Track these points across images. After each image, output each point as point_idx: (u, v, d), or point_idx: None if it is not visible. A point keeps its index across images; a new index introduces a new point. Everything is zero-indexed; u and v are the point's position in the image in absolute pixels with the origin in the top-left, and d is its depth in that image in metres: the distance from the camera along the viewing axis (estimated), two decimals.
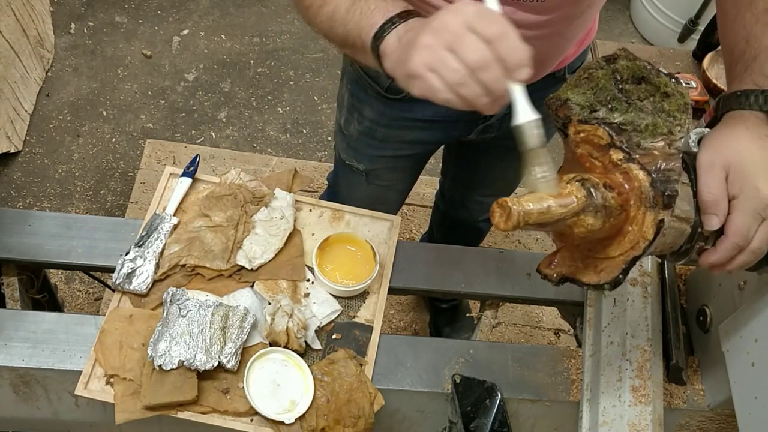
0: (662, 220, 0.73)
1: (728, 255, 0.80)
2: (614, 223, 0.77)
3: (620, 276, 0.76)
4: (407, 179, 1.49)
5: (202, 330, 1.00)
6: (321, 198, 1.69)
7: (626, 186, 0.77)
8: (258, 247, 1.13)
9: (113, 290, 1.09)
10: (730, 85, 0.88)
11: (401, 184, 1.49)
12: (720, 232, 0.80)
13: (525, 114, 0.72)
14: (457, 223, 1.79)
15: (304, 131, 2.55)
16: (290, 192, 1.22)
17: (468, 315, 2.10)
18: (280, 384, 1.01)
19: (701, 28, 2.54)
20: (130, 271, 1.07)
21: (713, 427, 1.10)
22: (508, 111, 1.16)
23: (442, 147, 1.62)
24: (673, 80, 0.79)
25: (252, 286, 1.11)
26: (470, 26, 0.67)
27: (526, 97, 0.72)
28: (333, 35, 0.86)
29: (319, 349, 1.07)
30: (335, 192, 1.57)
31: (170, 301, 1.04)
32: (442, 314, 2.09)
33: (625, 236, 0.77)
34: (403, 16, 0.77)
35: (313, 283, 1.13)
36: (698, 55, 1.86)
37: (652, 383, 1.03)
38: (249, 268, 1.11)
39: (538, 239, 2.34)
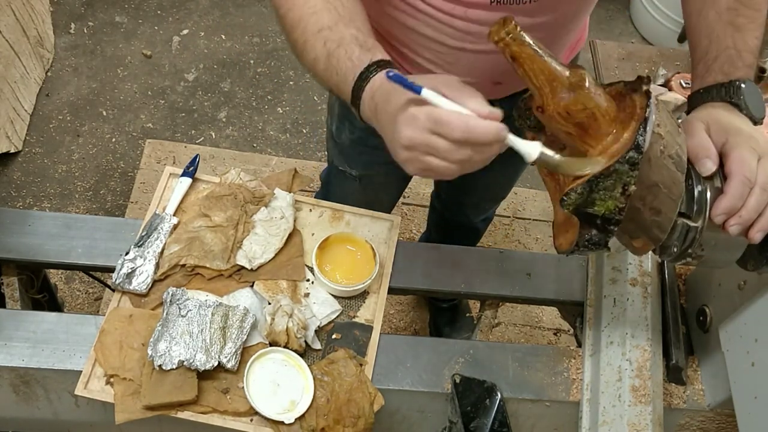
0: (648, 91, 0.75)
1: (739, 192, 0.78)
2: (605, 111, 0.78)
3: (639, 138, 0.73)
4: (401, 181, 1.49)
5: (202, 330, 1.00)
6: (316, 196, 1.69)
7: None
8: (258, 246, 1.13)
9: (113, 290, 1.09)
10: (694, 84, 0.91)
11: (395, 185, 1.48)
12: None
13: (531, 150, 0.77)
14: (454, 223, 1.78)
15: (304, 131, 2.55)
16: (290, 192, 1.22)
17: (468, 315, 2.10)
18: (280, 384, 1.01)
19: None
20: (129, 271, 1.07)
21: (713, 427, 1.10)
22: (504, 117, 1.14)
23: None
24: None
25: (252, 286, 1.11)
26: (435, 132, 0.72)
27: (519, 139, 0.76)
28: (319, 81, 0.88)
29: (319, 349, 1.07)
30: (327, 191, 1.57)
31: (170, 301, 1.04)
32: (442, 314, 2.09)
33: (624, 119, 0.78)
34: (363, 78, 0.80)
35: (312, 283, 1.13)
36: None
37: (652, 383, 1.03)
38: (249, 267, 1.11)
39: (538, 239, 2.34)
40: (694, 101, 0.90)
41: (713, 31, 0.90)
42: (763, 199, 0.79)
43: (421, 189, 2.36)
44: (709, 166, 0.80)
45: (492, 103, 1.19)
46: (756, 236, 0.80)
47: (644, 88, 0.76)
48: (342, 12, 0.86)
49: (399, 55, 1.10)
